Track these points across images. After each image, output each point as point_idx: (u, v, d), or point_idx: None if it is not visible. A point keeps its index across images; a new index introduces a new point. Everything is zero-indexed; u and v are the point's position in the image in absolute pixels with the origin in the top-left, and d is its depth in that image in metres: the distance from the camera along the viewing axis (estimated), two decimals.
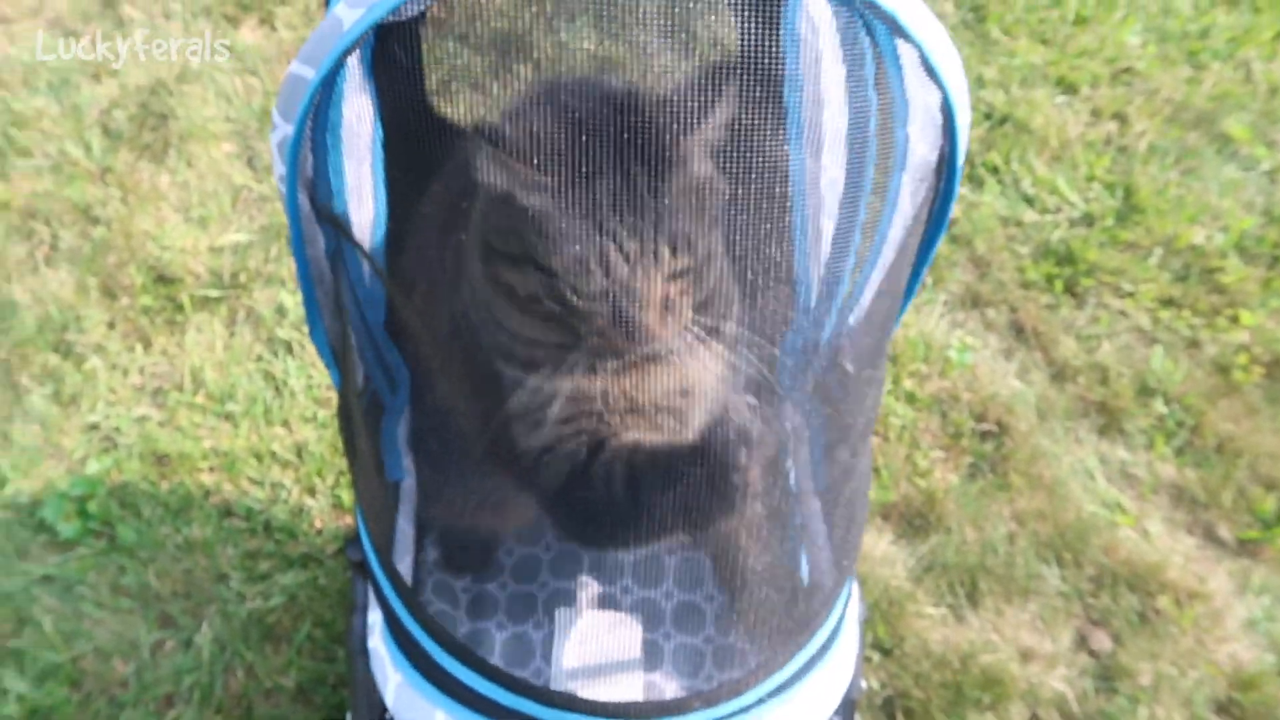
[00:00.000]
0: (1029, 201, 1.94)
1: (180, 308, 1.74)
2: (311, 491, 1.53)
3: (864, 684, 0.90)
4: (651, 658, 0.77)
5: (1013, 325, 1.77)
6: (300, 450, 1.57)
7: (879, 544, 1.49)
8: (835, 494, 0.77)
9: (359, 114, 0.75)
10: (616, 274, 0.62)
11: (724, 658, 0.72)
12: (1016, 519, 1.52)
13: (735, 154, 0.64)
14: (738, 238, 0.69)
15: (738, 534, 0.75)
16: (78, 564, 1.44)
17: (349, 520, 1.51)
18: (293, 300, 1.75)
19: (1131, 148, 2.00)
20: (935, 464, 1.58)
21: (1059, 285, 1.80)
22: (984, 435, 1.62)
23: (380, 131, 0.79)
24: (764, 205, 0.69)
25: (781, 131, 0.73)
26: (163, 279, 1.78)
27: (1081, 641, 1.43)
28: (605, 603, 0.81)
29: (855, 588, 0.81)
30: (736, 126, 0.64)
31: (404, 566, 0.72)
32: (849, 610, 0.77)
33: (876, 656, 1.38)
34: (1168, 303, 1.79)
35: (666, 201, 0.63)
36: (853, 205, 0.76)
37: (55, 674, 1.35)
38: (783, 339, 0.79)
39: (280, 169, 0.66)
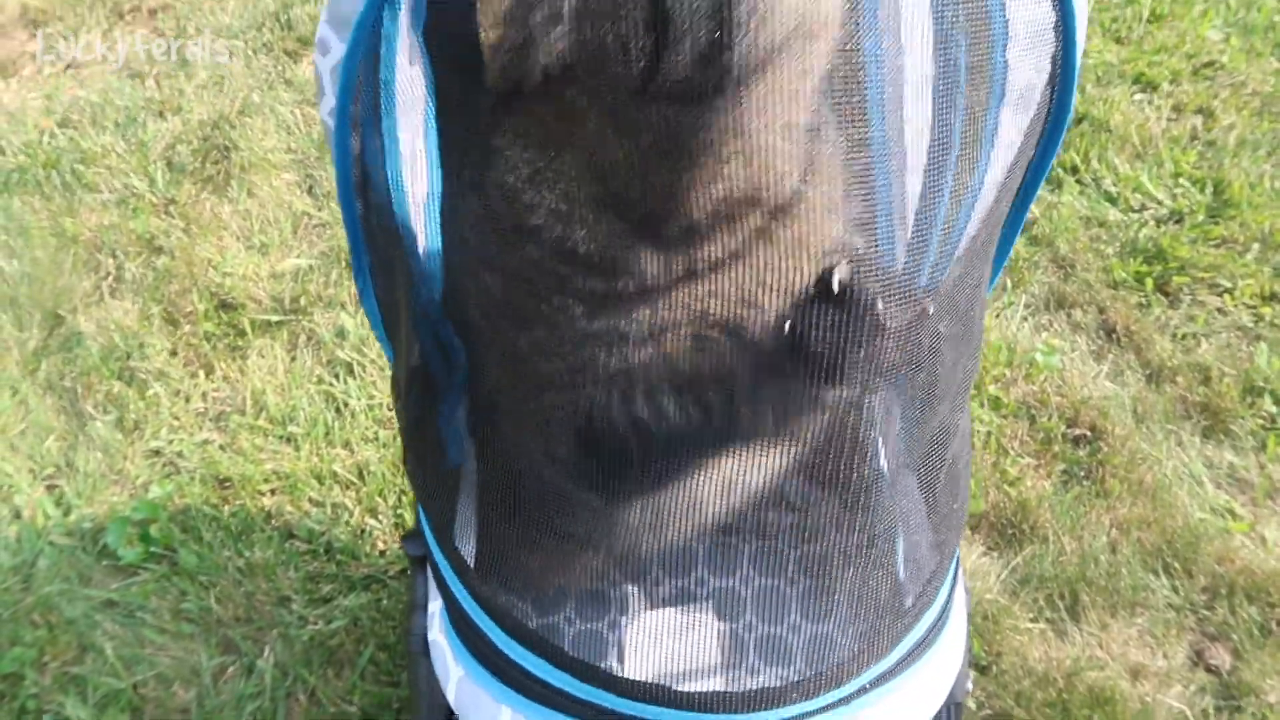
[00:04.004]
0: (1112, 200, 1.85)
1: (242, 333, 1.72)
2: (373, 512, 1.48)
3: (970, 684, 0.82)
4: (735, 649, 0.70)
5: (1102, 326, 1.67)
6: (362, 471, 1.53)
7: (969, 556, 1.40)
8: (932, 467, 0.70)
9: (411, 79, 0.71)
10: None
11: (816, 647, 0.65)
12: (1118, 527, 1.42)
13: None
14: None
15: (821, 514, 0.68)
16: (139, 589, 1.41)
17: None
18: (353, 323, 1.73)
19: (1220, 142, 1.90)
20: (1025, 471, 1.48)
21: (1150, 284, 1.70)
22: (1077, 440, 1.52)
23: (434, 102, 0.75)
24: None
25: (859, 89, 0.67)
26: (225, 305, 1.77)
27: (1198, 657, 1.31)
28: (681, 598, 0.75)
29: (961, 575, 0.73)
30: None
31: (466, 550, 0.67)
32: (955, 595, 0.69)
33: (972, 674, 1.28)
34: (1269, 298, 1.68)
35: None
36: (942, 155, 0.70)
37: (116, 701, 1.31)
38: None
39: (330, 102, 0.62)
